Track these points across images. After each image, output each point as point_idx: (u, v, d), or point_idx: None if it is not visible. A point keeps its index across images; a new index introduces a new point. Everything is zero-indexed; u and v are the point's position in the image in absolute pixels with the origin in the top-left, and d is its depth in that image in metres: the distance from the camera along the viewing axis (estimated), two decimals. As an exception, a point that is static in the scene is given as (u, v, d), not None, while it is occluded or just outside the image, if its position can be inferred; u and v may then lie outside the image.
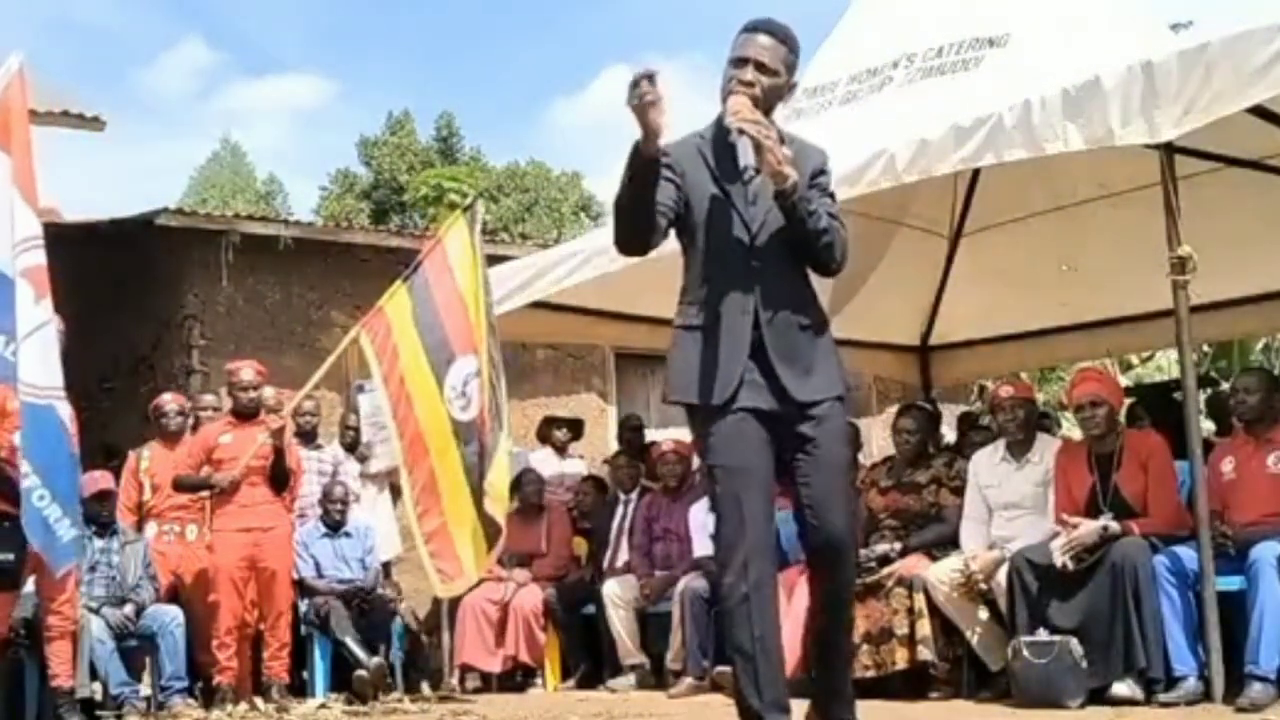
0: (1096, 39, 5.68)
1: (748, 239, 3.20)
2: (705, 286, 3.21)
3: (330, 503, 7.37)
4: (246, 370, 6.84)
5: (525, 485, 7.69)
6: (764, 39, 3.25)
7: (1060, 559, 4.96)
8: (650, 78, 2.93)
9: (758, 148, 3.08)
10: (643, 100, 2.93)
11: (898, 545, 5.80)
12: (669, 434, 9.40)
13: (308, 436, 7.85)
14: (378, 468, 8.10)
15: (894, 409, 6.82)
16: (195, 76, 59.17)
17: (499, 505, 6.71)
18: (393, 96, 70.57)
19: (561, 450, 8.83)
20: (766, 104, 3.23)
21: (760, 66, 3.22)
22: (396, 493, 8.03)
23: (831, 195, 3.34)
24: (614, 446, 9.33)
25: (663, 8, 58.32)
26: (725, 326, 3.18)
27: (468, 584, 6.85)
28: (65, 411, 5.43)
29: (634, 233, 3.19)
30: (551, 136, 52.83)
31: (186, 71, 57.39)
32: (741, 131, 3.09)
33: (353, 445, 8.14)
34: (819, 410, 3.21)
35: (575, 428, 9.16)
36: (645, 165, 3.04)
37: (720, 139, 3.22)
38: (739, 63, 3.24)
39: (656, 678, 6.78)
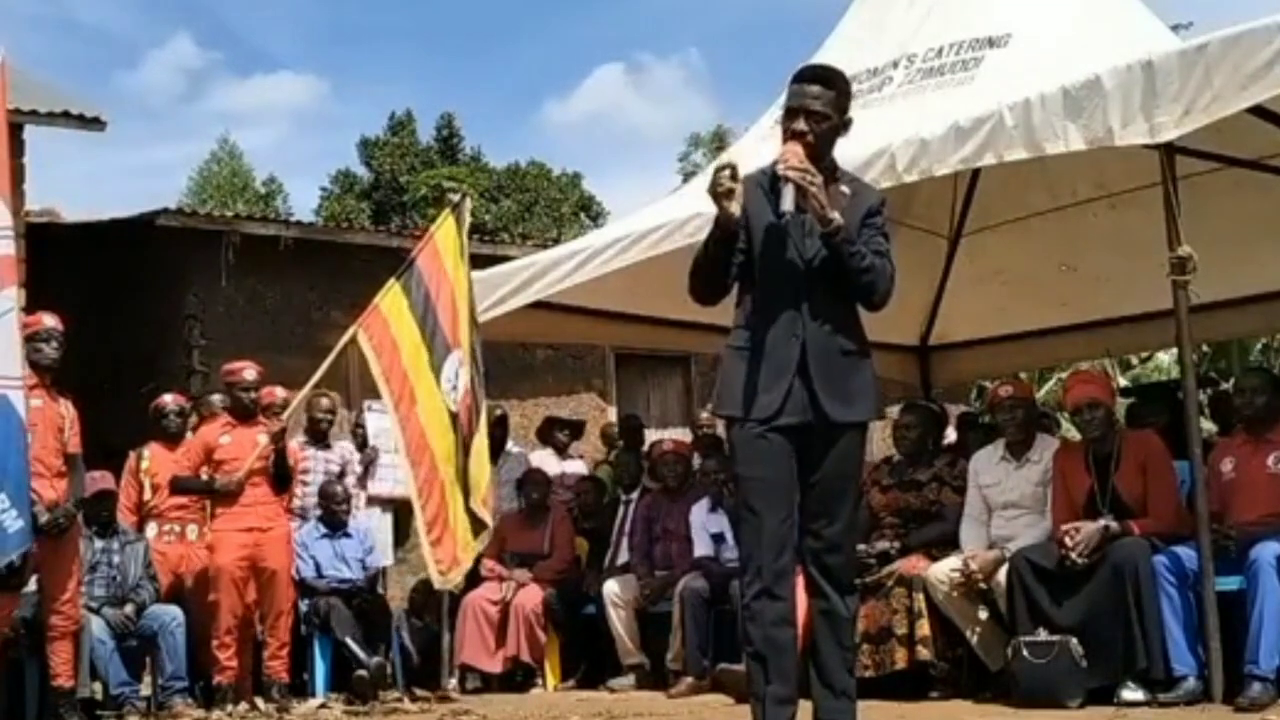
0: (1096, 39, 5.68)
1: (800, 269, 3.43)
2: (758, 312, 3.45)
3: (330, 503, 7.36)
4: (249, 370, 6.82)
5: (530, 487, 7.69)
6: (813, 88, 3.47)
7: (1071, 555, 4.97)
8: (731, 170, 3.27)
9: (802, 194, 3.30)
10: (718, 189, 3.26)
11: (897, 543, 5.81)
12: (669, 434, 9.43)
13: (318, 436, 7.86)
14: (380, 490, 8.10)
15: (893, 409, 6.81)
16: (185, 76, 59.18)
17: (478, 497, 6.75)
18: (393, 96, 70.55)
19: (562, 451, 8.83)
20: (821, 147, 3.44)
21: (809, 114, 3.44)
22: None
23: (885, 235, 3.52)
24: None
25: (661, 8, 58.32)
26: (772, 349, 3.40)
27: (461, 574, 6.87)
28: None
29: (708, 291, 3.50)
30: (552, 137, 52.81)
31: (176, 70, 57.31)
32: (787, 179, 3.31)
33: (362, 444, 8.19)
34: (842, 431, 3.42)
35: (576, 429, 9.15)
36: (725, 239, 3.37)
37: (776, 179, 3.45)
38: (791, 113, 3.47)
39: (656, 678, 6.78)
